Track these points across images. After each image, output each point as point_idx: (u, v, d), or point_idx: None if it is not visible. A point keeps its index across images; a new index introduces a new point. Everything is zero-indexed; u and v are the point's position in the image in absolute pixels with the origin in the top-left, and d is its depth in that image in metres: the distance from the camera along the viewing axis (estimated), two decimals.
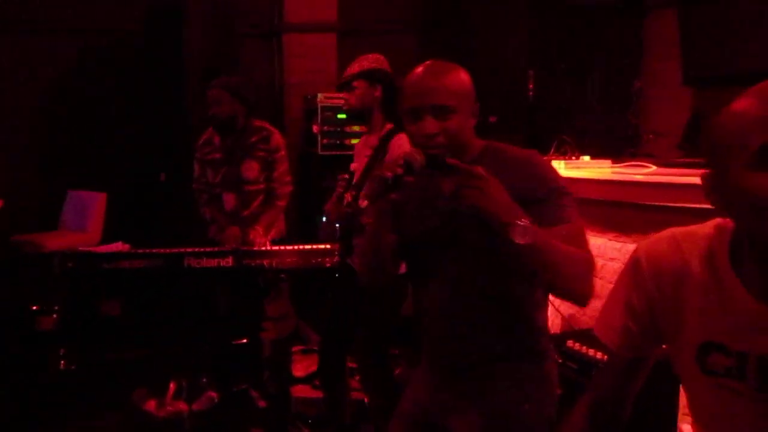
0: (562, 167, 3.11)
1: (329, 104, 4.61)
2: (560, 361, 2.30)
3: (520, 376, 1.60)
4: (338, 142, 4.61)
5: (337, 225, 2.98)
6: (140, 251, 3.03)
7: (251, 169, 3.48)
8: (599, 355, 2.21)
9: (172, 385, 3.14)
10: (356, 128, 4.68)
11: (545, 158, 3.33)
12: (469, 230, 1.52)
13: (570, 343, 2.32)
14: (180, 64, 4.42)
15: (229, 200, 3.51)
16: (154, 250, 3.06)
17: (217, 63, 4.53)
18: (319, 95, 4.65)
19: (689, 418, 1.29)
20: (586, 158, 3.27)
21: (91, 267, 2.97)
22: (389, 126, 2.81)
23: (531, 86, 5.12)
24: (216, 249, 3.16)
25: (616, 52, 5.77)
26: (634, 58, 5.75)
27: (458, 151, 1.53)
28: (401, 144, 2.75)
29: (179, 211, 4.37)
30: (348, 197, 2.70)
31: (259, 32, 5.23)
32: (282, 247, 3.18)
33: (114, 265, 2.98)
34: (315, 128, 4.57)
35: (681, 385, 1.40)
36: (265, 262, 3.13)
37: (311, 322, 4.25)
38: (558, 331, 2.77)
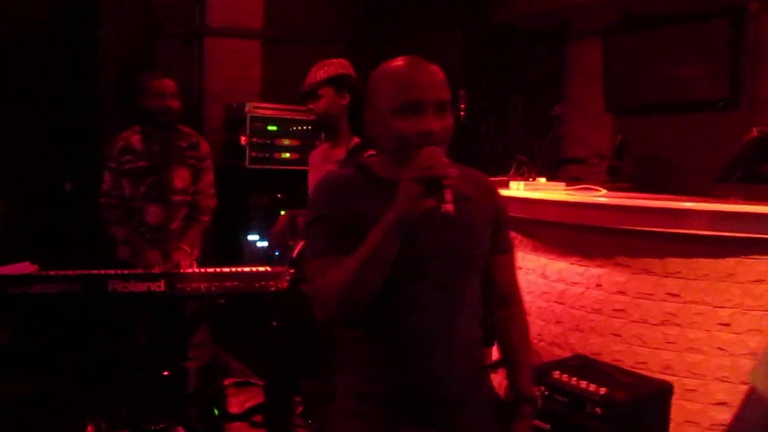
0: (521, 188, 3.00)
1: (259, 114, 4.30)
2: (546, 393, 2.15)
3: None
4: (268, 155, 4.31)
5: (289, 244, 2.71)
6: (54, 273, 2.61)
7: (182, 178, 3.17)
8: (592, 387, 2.08)
9: (89, 429, 2.71)
10: (286, 141, 4.42)
11: (504, 178, 3.29)
12: (468, 242, 1.49)
13: (556, 374, 2.17)
14: (91, 61, 3.98)
15: (155, 213, 3.14)
16: (71, 272, 2.65)
17: (133, 63, 4.13)
18: (248, 104, 4.34)
19: None
20: (542, 180, 3.19)
21: None
22: (356, 140, 2.59)
23: (462, 106, 5.09)
24: (145, 272, 2.80)
25: (538, 77, 5.86)
26: (556, 84, 5.86)
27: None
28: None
29: (87, 227, 3.89)
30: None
31: (179, 34, 4.84)
32: (220, 270, 2.86)
33: (23, 289, 2.55)
34: (243, 139, 4.24)
35: None
36: (203, 286, 2.80)
37: (231, 351, 3.90)
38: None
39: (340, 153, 2.57)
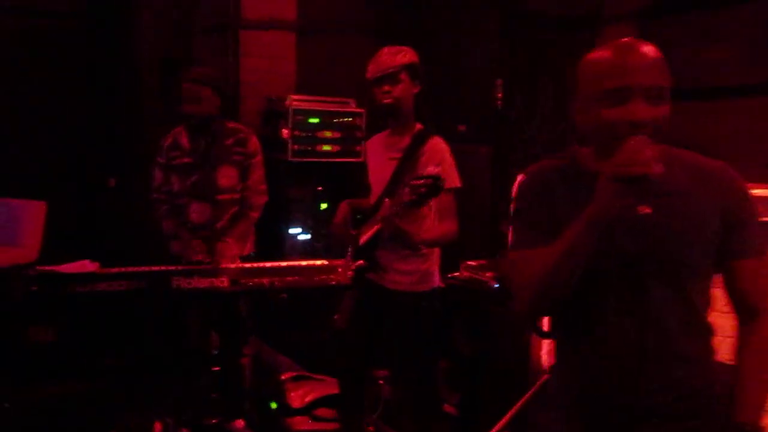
0: None
1: (301, 107, 4.25)
2: None
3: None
4: (310, 148, 4.26)
5: (352, 234, 2.65)
6: (117, 271, 2.58)
7: (228, 176, 3.12)
8: None
9: (157, 426, 2.69)
10: (328, 134, 4.37)
11: None
12: (669, 244, 1.34)
13: None
14: (130, 54, 3.94)
15: (201, 211, 3.11)
16: (134, 269, 2.62)
17: (170, 56, 4.09)
18: (289, 97, 4.28)
19: None
20: None
21: (61, 290, 2.49)
22: (419, 126, 2.56)
23: (499, 95, 5.03)
24: (208, 267, 2.77)
25: (570, 64, 5.77)
26: None
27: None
28: (441, 148, 2.51)
29: (133, 222, 3.87)
30: (387, 202, 2.37)
31: (214, 26, 4.78)
32: (279, 264, 2.83)
33: (90, 287, 2.51)
34: (285, 132, 4.18)
35: None
36: (265, 281, 2.77)
37: (276, 345, 3.87)
38: None
39: (405, 141, 2.54)
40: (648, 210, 1.24)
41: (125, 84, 4.01)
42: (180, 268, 2.69)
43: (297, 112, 4.21)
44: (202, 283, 2.68)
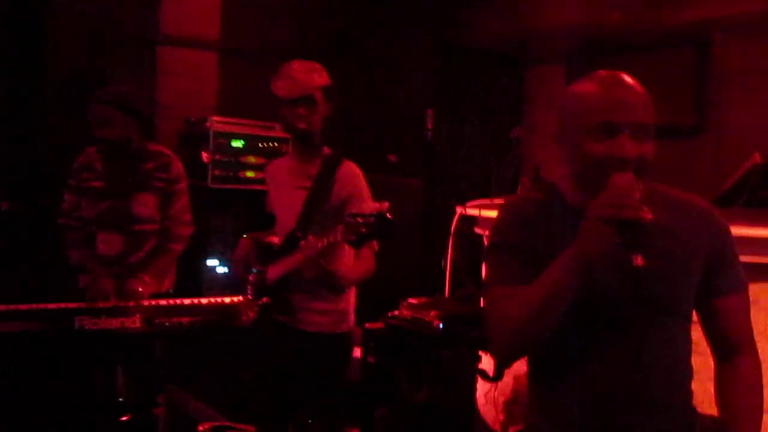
0: None
1: (223, 130, 3.98)
2: None
3: None
4: (232, 174, 3.99)
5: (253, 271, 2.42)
6: (14, 308, 2.22)
7: (146, 205, 2.81)
8: None
9: None
10: (252, 159, 4.11)
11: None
12: (660, 287, 1.30)
13: None
14: (37, 66, 3.57)
15: (110, 242, 2.78)
16: (31, 307, 2.27)
17: (83, 71, 3.75)
18: (210, 118, 4.01)
19: None
20: None
21: None
22: (327, 150, 2.37)
23: (429, 126, 4.95)
24: (118, 304, 2.45)
25: (497, 100, 5.80)
26: (514, 107, 5.83)
27: None
28: (354, 173, 2.33)
29: (27, 252, 3.46)
30: (311, 240, 2.14)
31: (132, 41, 4.45)
32: (198, 301, 2.55)
33: None
34: (205, 156, 3.90)
35: None
36: (184, 321, 2.47)
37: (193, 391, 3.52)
38: None
39: (315, 167, 2.33)
40: (641, 262, 1.15)
41: (29, 99, 3.61)
42: (84, 306, 2.36)
43: (218, 134, 3.94)
44: (111, 323, 2.36)
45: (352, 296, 2.41)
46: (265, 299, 2.38)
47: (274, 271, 2.31)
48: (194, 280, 3.99)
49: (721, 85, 4.43)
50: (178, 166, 2.91)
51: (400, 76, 4.96)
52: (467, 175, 5.53)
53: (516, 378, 2.90)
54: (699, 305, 1.38)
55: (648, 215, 1.13)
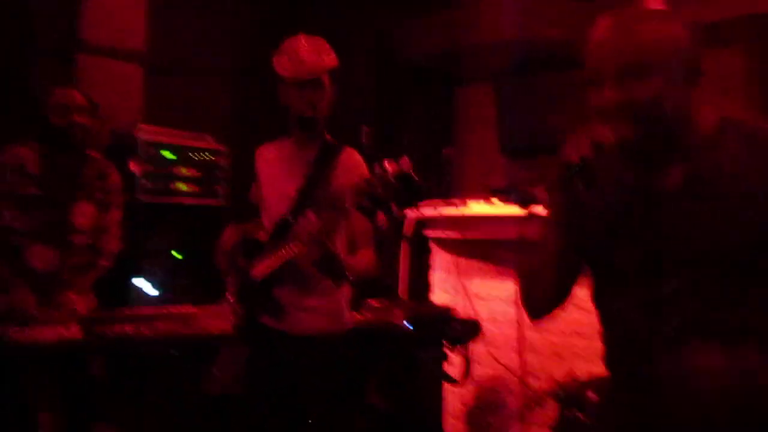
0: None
1: (153, 139, 3.73)
2: None
3: None
4: (163, 186, 3.73)
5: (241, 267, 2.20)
6: None
7: (85, 215, 2.60)
8: None
9: None
10: (185, 171, 3.87)
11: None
12: (697, 240, 1.16)
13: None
14: None
15: (44, 255, 2.52)
16: None
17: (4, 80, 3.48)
18: (139, 126, 3.76)
19: None
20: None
21: None
22: (327, 135, 2.22)
23: (365, 142, 4.86)
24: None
25: (427, 117, 5.82)
26: (444, 124, 5.85)
27: (675, 126, 1.19)
28: (356, 161, 2.19)
29: None
30: (311, 215, 1.91)
31: (53, 50, 4.15)
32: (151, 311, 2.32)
33: None
34: (134, 167, 3.63)
35: None
36: (129, 330, 2.23)
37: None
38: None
39: (313, 153, 2.17)
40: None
41: None
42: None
43: (148, 144, 3.68)
44: (46, 334, 2.09)
45: (346, 290, 2.19)
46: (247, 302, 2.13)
47: (262, 266, 2.07)
48: (119, 300, 3.66)
49: None
50: (116, 177, 2.76)
51: (338, 91, 4.88)
52: None
53: (479, 384, 2.81)
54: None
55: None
